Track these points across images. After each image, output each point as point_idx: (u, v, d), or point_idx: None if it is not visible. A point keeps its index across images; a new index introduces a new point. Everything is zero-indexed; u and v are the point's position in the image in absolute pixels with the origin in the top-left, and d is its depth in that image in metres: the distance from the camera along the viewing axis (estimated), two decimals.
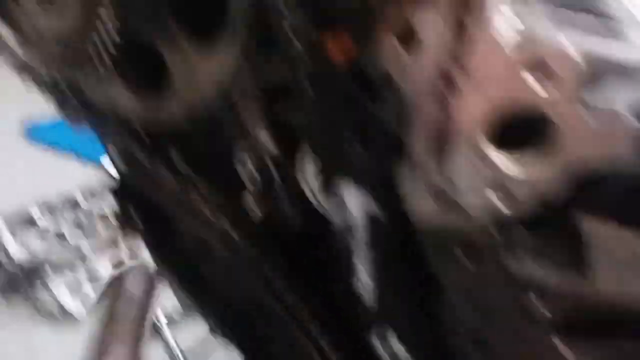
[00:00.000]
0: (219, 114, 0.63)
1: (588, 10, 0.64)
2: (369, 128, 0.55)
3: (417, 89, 0.59)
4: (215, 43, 0.59)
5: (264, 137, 0.71)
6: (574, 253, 0.70)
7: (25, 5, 0.53)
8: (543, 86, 0.53)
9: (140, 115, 0.66)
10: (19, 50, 0.55)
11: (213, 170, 0.74)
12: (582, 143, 0.55)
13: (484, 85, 0.56)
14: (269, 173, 0.69)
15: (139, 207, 0.74)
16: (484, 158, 0.59)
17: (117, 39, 0.51)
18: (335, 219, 0.60)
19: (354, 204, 0.59)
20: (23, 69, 0.60)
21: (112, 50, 0.52)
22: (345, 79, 0.56)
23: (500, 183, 0.59)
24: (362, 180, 0.57)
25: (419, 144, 0.60)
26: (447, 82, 0.57)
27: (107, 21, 0.50)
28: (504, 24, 0.56)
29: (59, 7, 0.51)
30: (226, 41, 0.59)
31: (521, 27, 0.56)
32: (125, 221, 0.77)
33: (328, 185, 0.61)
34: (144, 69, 0.60)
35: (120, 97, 0.64)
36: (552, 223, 0.68)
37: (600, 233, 0.62)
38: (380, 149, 0.56)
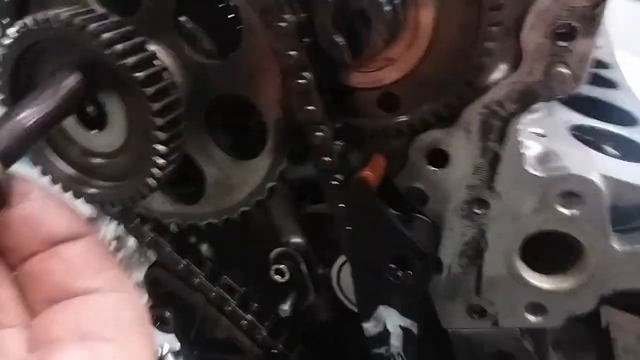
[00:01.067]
0: (250, 214, 0.64)
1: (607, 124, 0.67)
2: (404, 248, 0.56)
3: (449, 205, 0.60)
4: (251, 161, 0.60)
5: (296, 237, 0.73)
6: (603, 351, 0.71)
7: (77, 135, 0.55)
8: (570, 211, 0.55)
9: (172, 215, 0.67)
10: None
11: (242, 265, 0.75)
12: (610, 269, 0.56)
13: (512, 208, 0.57)
14: (301, 273, 0.70)
15: (169, 300, 0.75)
16: (519, 277, 0.60)
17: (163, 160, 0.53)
18: (369, 329, 0.61)
19: (387, 316, 0.60)
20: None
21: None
22: (378, 198, 0.56)
23: (535, 300, 0.60)
24: (397, 300, 0.58)
25: (454, 261, 0.61)
26: (477, 201, 0.59)
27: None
28: (531, 147, 0.58)
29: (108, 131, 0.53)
30: (261, 157, 0.60)
31: (547, 150, 0.58)
32: (154, 308, 0.78)
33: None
34: (182, 179, 0.61)
35: (155, 202, 0.66)
36: (582, 324, 0.69)
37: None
38: (415, 269, 0.56)
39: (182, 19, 0.58)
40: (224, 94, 0.59)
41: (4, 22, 0.62)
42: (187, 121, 0.56)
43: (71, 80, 0.47)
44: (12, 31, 0.49)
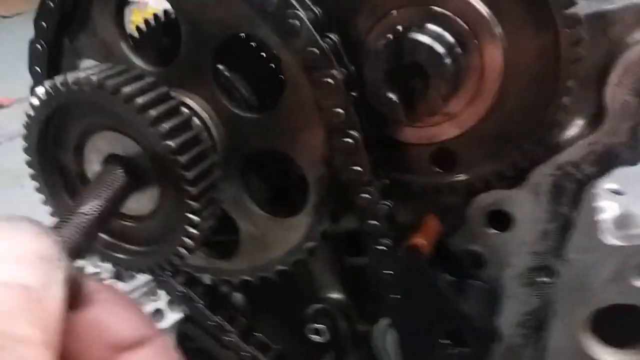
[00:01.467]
0: (287, 271, 0.60)
1: None
2: (459, 324, 0.50)
3: (510, 271, 0.54)
4: (290, 219, 0.56)
5: (336, 293, 0.68)
6: None
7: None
8: None
9: (205, 269, 0.64)
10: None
11: (277, 319, 0.70)
12: None
13: (583, 278, 0.50)
14: (340, 334, 0.65)
15: (199, 356, 0.71)
16: (589, 351, 0.53)
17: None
18: None
19: None
20: None
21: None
22: (431, 267, 0.51)
23: None
24: None
25: (513, 331, 0.55)
26: (543, 269, 0.52)
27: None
28: (607, 208, 0.51)
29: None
30: (301, 215, 0.55)
31: (625, 213, 0.51)
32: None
33: None
34: (217, 235, 0.58)
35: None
36: None
37: None
38: (471, 346, 0.50)
39: (220, 67, 0.54)
40: (262, 148, 0.54)
41: (38, 69, 0.59)
42: (223, 174, 0.52)
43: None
44: (41, 91, 0.46)
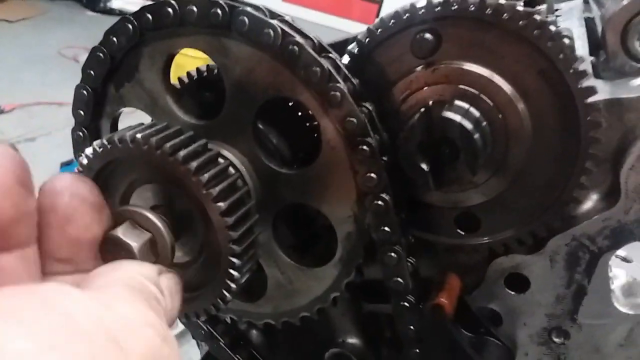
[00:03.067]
0: (310, 318, 0.62)
1: None
2: None
3: (525, 331, 0.57)
4: (317, 269, 0.58)
5: (353, 338, 0.70)
6: None
7: None
8: None
9: (229, 311, 0.66)
10: None
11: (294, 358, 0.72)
12: None
13: (594, 341, 0.54)
14: None
15: None
16: None
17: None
18: None
19: None
20: None
21: None
22: (453, 325, 0.53)
23: None
24: None
25: None
26: (557, 330, 0.55)
27: None
28: (617, 276, 0.55)
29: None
30: (328, 267, 0.58)
31: (633, 281, 0.54)
32: None
33: None
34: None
35: None
36: None
37: None
38: None
39: (259, 124, 0.58)
40: (296, 202, 0.57)
41: (81, 112, 0.62)
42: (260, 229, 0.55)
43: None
44: (89, 150, 0.49)
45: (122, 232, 0.45)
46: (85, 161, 0.50)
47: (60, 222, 0.39)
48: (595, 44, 0.72)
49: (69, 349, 0.27)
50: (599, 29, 0.73)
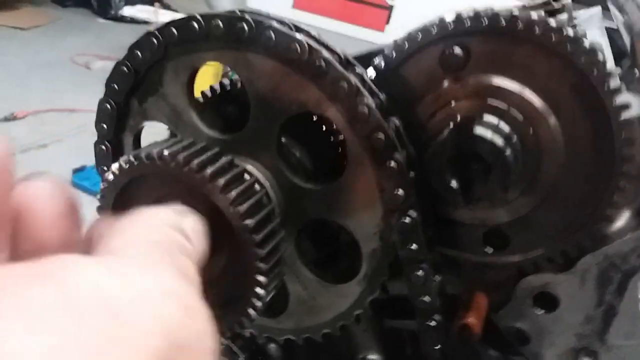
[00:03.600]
0: (332, 335, 0.61)
1: None
2: None
3: (553, 350, 0.56)
4: (341, 286, 0.58)
5: (374, 354, 0.69)
6: None
7: None
8: None
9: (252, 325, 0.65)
10: None
11: None
12: None
13: None
14: None
15: None
16: None
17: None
18: None
19: None
20: None
21: None
22: (480, 345, 0.52)
23: None
24: None
25: None
26: (585, 350, 0.54)
27: None
28: None
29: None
30: (352, 283, 0.57)
31: None
32: None
33: None
34: None
35: None
36: None
37: None
38: None
39: (284, 140, 0.57)
40: (320, 218, 0.56)
41: (104, 126, 0.62)
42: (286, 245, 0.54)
43: None
44: (115, 166, 0.48)
45: None
46: (111, 177, 0.50)
47: (31, 227, 0.34)
48: (619, 54, 0.71)
49: (61, 332, 0.24)
50: (625, 38, 0.72)
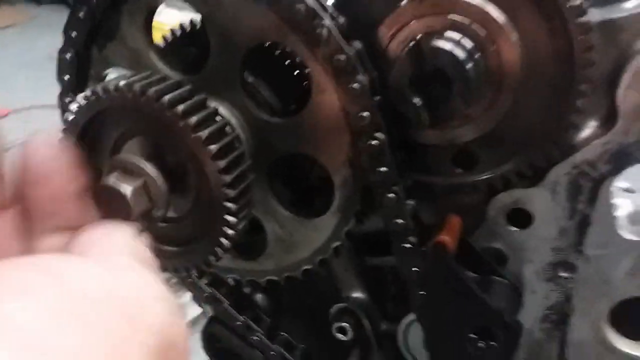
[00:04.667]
0: (312, 271, 0.61)
1: None
2: (487, 319, 0.52)
3: (531, 267, 0.56)
4: (316, 219, 0.57)
5: (358, 292, 0.69)
6: None
7: None
8: None
9: (232, 270, 0.65)
10: None
11: (301, 319, 0.72)
12: None
13: (602, 272, 0.53)
14: (363, 331, 0.66)
15: (226, 356, 0.72)
16: (608, 343, 0.55)
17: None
18: None
19: None
20: None
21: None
22: (456, 263, 0.52)
23: None
24: None
25: (536, 326, 0.57)
26: (563, 264, 0.54)
27: None
28: (621, 206, 0.53)
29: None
30: (327, 216, 0.57)
31: (638, 209, 0.54)
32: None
33: None
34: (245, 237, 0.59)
35: None
36: None
37: None
38: (499, 340, 0.52)
39: (247, 76, 0.56)
40: (289, 152, 0.56)
41: (65, 78, 0.61)
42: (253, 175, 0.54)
43: None
44: (73, 106, 0.47)
45: (114, 180, 0.44)
46: (70, 117, 0.49)
47: (38, 179, 0.38)
48: None
49: (82, 322, 0.25)
50: None
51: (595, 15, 0.49)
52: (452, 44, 0.48)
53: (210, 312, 0.69)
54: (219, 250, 0.49)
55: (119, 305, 0.28)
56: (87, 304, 0.27)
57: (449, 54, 0.47)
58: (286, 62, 0.60)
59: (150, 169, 0.45)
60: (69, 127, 0.49)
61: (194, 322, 0.98)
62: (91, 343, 0.25)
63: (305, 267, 0.61)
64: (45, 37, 5.94)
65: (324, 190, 0.59)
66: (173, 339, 0.31)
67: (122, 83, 0.46)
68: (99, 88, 0.46)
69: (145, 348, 0.28)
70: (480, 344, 0.52)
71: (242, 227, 0.51)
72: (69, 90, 0.61)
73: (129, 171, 0.45)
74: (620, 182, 0.56)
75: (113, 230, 0.37)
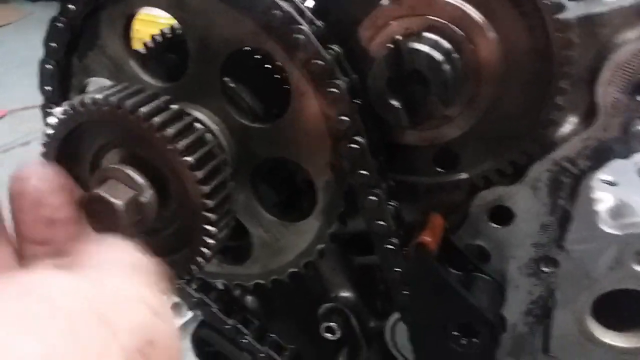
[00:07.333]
0: (299, 272, 0.62)
1: None
2: (469, 316, 0.53)
3: (514, 263, 0.56)
4: (300, 223, 0.58)
5: (346, 292, 0.70)
6: None
7: None
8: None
9: (219, 275, 0.66)
10: None
11: (290, 319, 0.72)
12: None
13: (583, 266, 0.53)
14: (352, 330, 0.67)
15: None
16: (591, 335, 0.56)
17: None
18: None
19: None
20: None
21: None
22: (438, 263, 0.53)
23: (608, 358, 0.56)
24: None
25: (519, 320, 0.58)
26: (545, 259, 0.55)
27: None
28: (602, 199, 0.54)
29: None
30: (311, 219, 0.58)
31: (620, 203, 0.54)
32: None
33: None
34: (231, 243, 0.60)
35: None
36: None
37: None
38: (481, 337, 0.53)
39: (227, 80, 0.56)
40: (271, 157, 0.56)
41: (47, 89, 0.61)
42: (233, 183, 0.54)
43: None
44: (52, 120, 0.48)
45: (106, 191, 0.44)
46: (50, 131, 0.49)
47: (31, 205, 0.39)
48: None
49: (47, 328, 0.26)
50: None
51: (574, 10, 0.49)
52: (429, 45, 0.48)
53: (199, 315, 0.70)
54: (200, 260, 0.50)
55: (90, 309, 0.29)
56: (54, 311, 0.27)
57: (426, 55, 0.47)
58: (267, 67, 0.60)
59: (141, 181, 0.45)
60: (48, 141, 0.50)
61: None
62: (65, 349, 0.26)
63: (292, 270, 0.62)
64: (40, 36, 5.91)
65: (307, 194, 0.60)
66: (155, 337, 0.32)
67: (98, 96, 0.46)
68: (76, 102, 0.47)
69: (125, 349, 0.29)
70: (463, 341, 0.52)
71: (224, 236, 0.51)
72: (51, 101, 0.62)
73: (121, 182, 0.45)
74: (602, 175, 0.57)
75: (106, 243, 0.38)
